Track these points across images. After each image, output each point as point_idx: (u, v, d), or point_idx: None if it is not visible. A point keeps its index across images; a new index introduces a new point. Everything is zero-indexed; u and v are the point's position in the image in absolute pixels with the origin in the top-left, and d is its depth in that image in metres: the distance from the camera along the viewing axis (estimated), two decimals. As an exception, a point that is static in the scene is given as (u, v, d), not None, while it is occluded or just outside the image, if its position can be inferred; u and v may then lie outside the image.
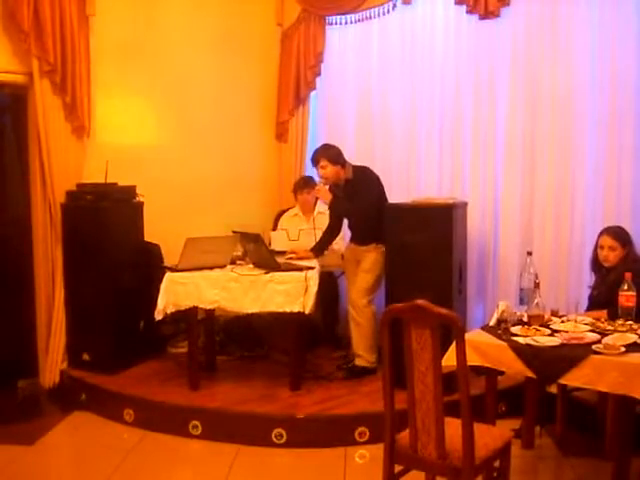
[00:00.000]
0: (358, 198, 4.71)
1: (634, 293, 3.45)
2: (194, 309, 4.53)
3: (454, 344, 2.71)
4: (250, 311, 4.48)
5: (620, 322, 3.40)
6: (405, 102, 5.53)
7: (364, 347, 4.75)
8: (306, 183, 5.46)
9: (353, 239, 4.96)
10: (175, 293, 4.45)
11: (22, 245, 5.08)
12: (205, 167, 5.90)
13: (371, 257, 4.74)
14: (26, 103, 4.99)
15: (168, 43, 5.66)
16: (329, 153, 4.76)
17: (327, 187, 4.81)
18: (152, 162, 5.54)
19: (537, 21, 4.88)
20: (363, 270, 4.76)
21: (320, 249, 5.00)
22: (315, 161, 4.79)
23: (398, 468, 2.94)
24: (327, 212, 5.14)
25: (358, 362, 4.78)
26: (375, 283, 4.76)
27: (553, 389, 3.95)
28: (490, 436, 2.90)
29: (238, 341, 5.39)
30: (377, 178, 4.82)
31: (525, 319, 3.56)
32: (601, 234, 4.00)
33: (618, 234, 3.94)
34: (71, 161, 5.03)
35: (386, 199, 4.81)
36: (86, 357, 4.96)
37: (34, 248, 5.07)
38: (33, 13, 4.67)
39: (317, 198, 5.28)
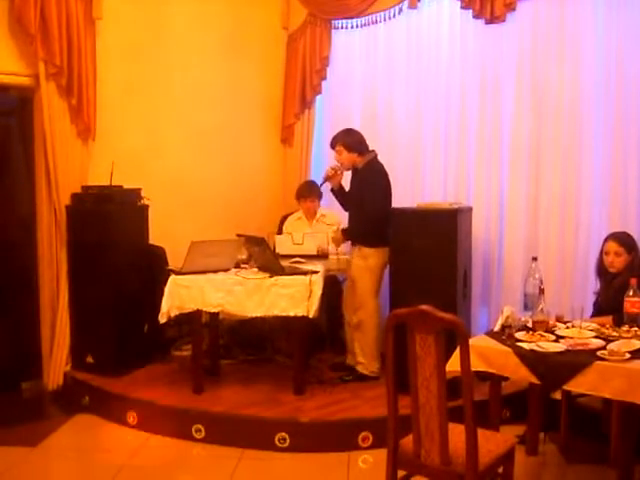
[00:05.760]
0: (354, 194, 4.72)
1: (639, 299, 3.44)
2: (198, 312, 4.53)
3: (458, 349, 2.70)
4: (254, 315, 4.47)
5: (625, 328, 3.38)
6: (410, 106, 5.54)
7: (365, 354, 4.73)
8: (309, 191, 5.46)
9: None
10: (179, 296, 4.45)
11: (27, 247, 5.09)
12: (210, 170, 5.92)
13: (354, 263, 4.71)
14: (32, 105, 5.00)
15: (174, 47, 5.68)
16: (347, 139, 4.75)
17: (340, 173, 4.82)
18: (157, 165, 5.55)
19: (543, 26, 4.87)
20: (350, 279, 4.77)
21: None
22: (332, 145, 4.82)
23: (401, 473, 2.93)
24: (329, 214, 5.16)
25: (359, 369, 4.76)
26: (371, 287, 4.69)
27: (557, 395, 3.93)
28: (494, 442, 2.90)
29: (242, 345, 5.39)
30: (386, 184, 4.73)
31: (530, 325, 3.54)
32: (606, 240, 3.98)
33: (624, 240, 3.92)
34: (76, 163, 5.05)
35: (389, 204, 4.71)
36: (90, 359, 4.97)
37: (39, 250, 5.08)
38: (40, 16, 4.68)
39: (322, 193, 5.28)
